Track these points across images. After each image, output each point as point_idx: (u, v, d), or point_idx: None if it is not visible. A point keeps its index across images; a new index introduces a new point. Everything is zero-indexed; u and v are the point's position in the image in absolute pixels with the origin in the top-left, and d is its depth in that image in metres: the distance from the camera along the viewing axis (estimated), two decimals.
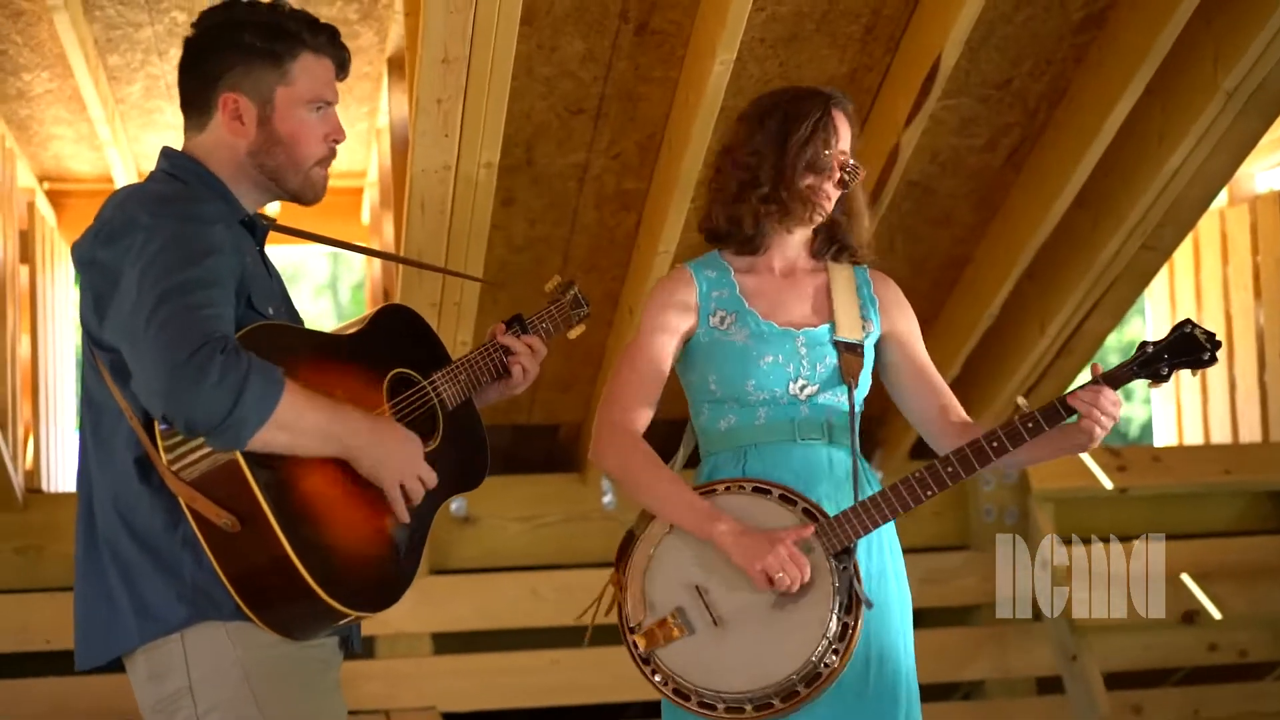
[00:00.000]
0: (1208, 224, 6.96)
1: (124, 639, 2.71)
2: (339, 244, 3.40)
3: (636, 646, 3.05)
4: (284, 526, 2.60)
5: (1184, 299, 7.15)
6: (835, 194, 3.19)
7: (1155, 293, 7.32)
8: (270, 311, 2.79)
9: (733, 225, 3.22)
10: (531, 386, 5.70)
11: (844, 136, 3.19)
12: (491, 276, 5.01)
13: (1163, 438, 7.33)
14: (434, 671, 5.61)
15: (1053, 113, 4.88)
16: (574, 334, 3.41)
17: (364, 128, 6.01)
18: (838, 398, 3.19)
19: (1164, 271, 7.18)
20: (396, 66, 5.08)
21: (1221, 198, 7.00)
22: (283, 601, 2.65)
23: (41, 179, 6.36)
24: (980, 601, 6.04)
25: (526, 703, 5.67)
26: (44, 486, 6.09)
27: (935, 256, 5.46)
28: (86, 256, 2.72)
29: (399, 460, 2.76)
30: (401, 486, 2.76)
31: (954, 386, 5.53)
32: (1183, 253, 7.11)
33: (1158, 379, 3.02)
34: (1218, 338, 3.02)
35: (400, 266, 4.77)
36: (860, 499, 3.07)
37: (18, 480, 5.40)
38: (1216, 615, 5.71)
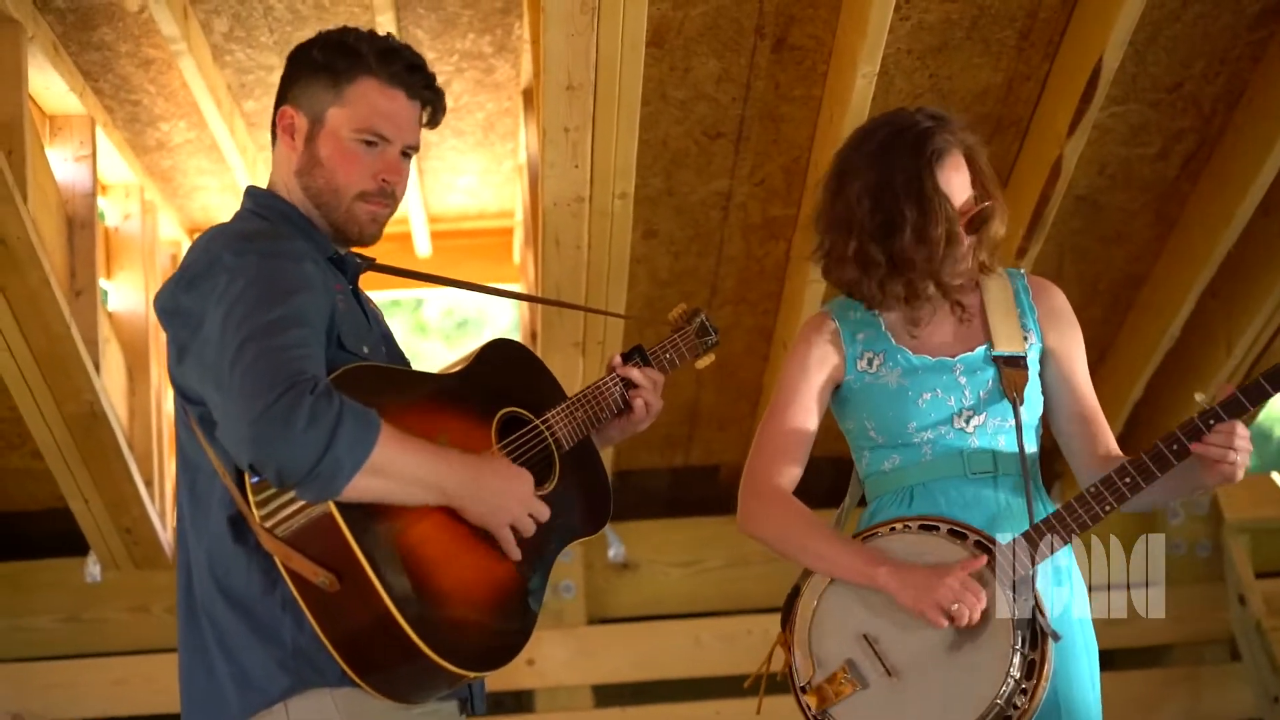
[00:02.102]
0: None
1: (224, 712, 2.54)
2: (446, 281, 3.22)
3: (810, 708, 2.86)
4: (384, 582, 2.42)
5: None
6: (970, 246, 2.96)
7: None
8: (365, 351, 2.63)
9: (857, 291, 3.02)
10: (689, 425, 5.64)
11: (958, 184, 2.94)
12: (636, 312, 4.84)
13: None
14: None
15: (1230, 115, 4.57)
16: (702, 364, 3.24)
17: (509, 166, 5.87)
18: (1007, 421, 2.96)
19: None
20: (529, 99, 4.93)
21: None
22: (390, 664, 2.47)
23: (191, 231, 6.32)
24: (1171, 641, 5.73)
25: None
26: None
27: (1109, 276, 5.17)
28: (170, 305, 2.57)
29: (506, 499, 2.58)
30: (512, 526, 2.59)
31: (1136, 411, 5.33)
32: None
33: None
34: None
35: (540, 306, 4.60)
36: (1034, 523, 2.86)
37: (166, 539, 5.33)
38: None
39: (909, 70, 4.33)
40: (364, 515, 2.44)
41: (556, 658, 5.41)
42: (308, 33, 3.47)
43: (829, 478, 3.05)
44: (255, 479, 2.45)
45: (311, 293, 2.51)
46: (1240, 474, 2.80)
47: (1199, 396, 2.83)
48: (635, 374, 2.97)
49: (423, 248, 6.18)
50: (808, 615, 2.89)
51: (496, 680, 5.38)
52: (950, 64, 4.34)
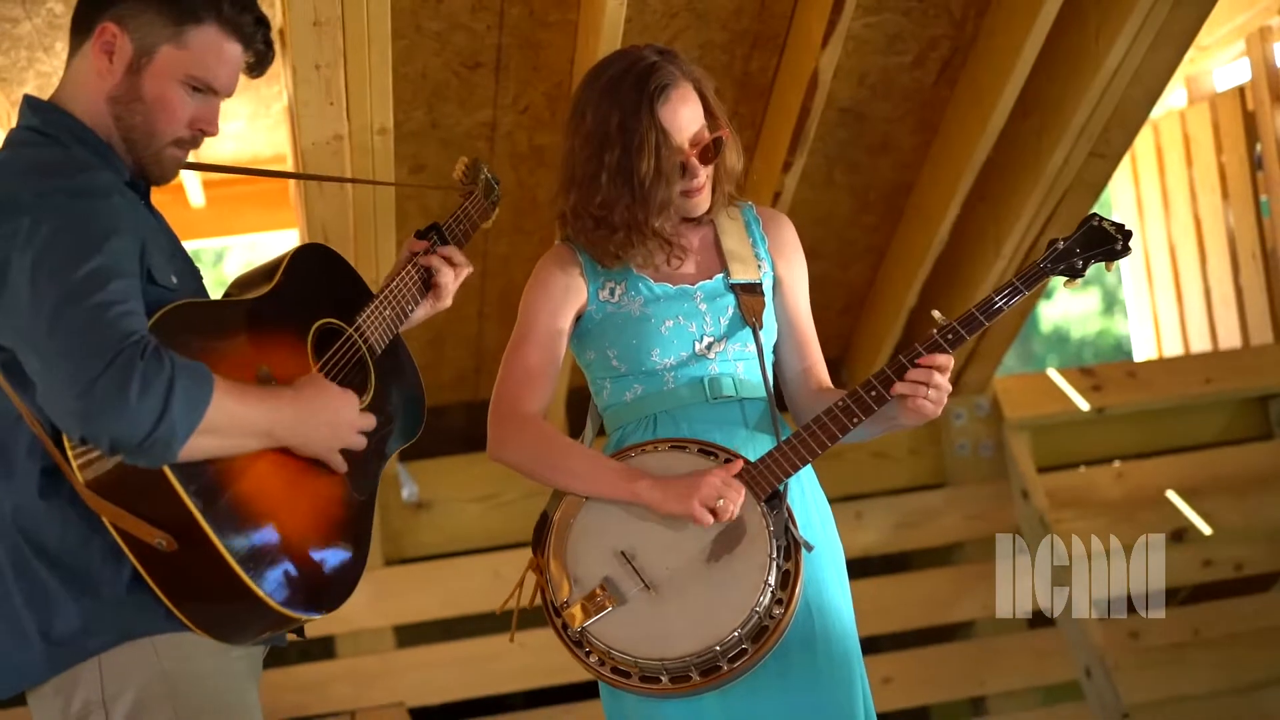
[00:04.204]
0: (1169, 126, 6.74)
1: (31, 672, 2.44)
2: (250, 171, 3.26)
3: (565, 628, 2.83)
4: (225, 540, 2.36)
5: (1151, 206, 6.92)
6: (705, 180, 2.98)
7: (1121, 202, 7.10)
8: (173, 280, 2.51)
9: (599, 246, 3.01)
10: (476, 359, 5.61)
11: (686, 119, 2.93)
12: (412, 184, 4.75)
13: (1142, 353, 7.11)
14: (399, 666, 5.40)
15: (981, 21, 4.62)
16: (489, 223, 3.21)
17: (278, 109, 5.77)
18: (747, 347, 3.00)
19: (1129, 179, 6.98)
20: (283, 38, 4.84)
21: (1181, 98, 6.77)
22: (229, 614, 2.43)
23: None
24: (963, 539, 5.86)
25: (496, 689, 5.48)
26: None
27: (878, 185, 5.23)
28: None
29: (335, 428, 2.54)
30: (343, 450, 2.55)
31: (912, 316, 5.42)
32: (1146, 158, 6.89)
33: (1073, 274, 2.92)
34: (1128, 227, 2.93)
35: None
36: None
37: None
38: (1206, 531, 5.48)
39: None
40: (196, 470, 2.36)
41: (355, 601, 5.15)
42: None
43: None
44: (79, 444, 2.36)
45: (124, 235, 2.38)
46: (936, 411, 2.87)
47: (936, 314, 2.90)
48: (436, 260, 2.93)
49: (195, 198, 6.06)
50: (563, 536, 2.86)
51: None
52: None
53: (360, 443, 2.59)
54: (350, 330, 2.74)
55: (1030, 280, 2.89)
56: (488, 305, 5.31)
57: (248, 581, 2.37)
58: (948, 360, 2.86)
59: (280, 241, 6.96)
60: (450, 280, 2.94)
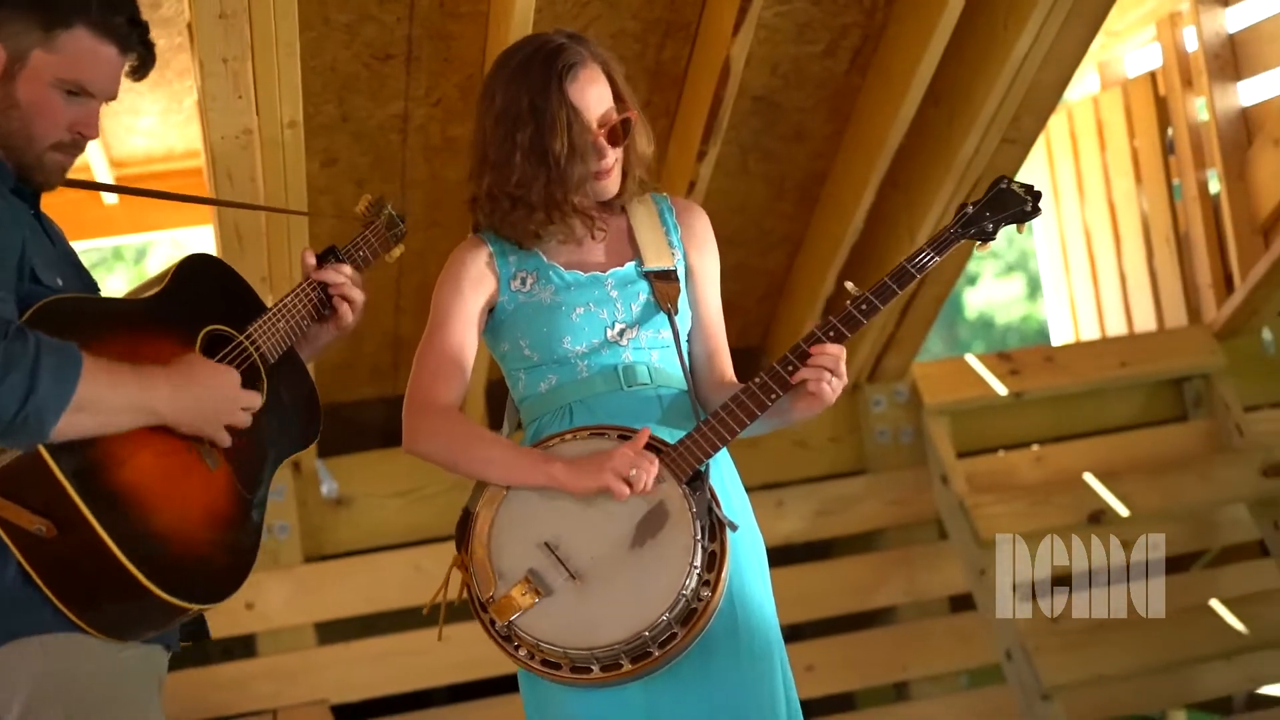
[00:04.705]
0: (1082, 111, 6.79)
1: None
2: (137, 191, 3.20)
3: (493, 623, 2.81)
4: (106, 524, 2.35)
5: (1066, 191, 6.96)
6: (614, 162, 2.98)
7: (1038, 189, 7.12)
8: (59, 283, 2.52)
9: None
10: (393, 352, 5.58)
11: (594, 98, 2.93)
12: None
13: (1060, 337, 7.16)
14: (320, 663, 5.37)
15: (890, 8, 4.64)
16: (393, 256, 3.19)
17: (190, 104, 5.70)
18: (661, 333, 2.99)
19: (1044, 164, 7.02)
20: (192, 32, 4.79)
21: (1094, 83, 6.82)
22: (115, 604, 2.41)
23: None
24: (884, 525, 5.89)
25: (419, 684, 5.46)
26: None
27: (793, 174, 5.24)
28: None
29: (216, 401, 2.53)
30: (228, 427, 2.54)
31: (829, 303, 5.43)
32: (1060, 143, 6.94)
33: (984, 238, 2.93)
34: (1037, 189, 2.95)
35: (222, 239, 4.48)
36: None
37: None
38: (1124, 513, 5.53)
39: None
40: (75, 452, 2.36)
41: (276, 599, 5.32)
42: None
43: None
44: None
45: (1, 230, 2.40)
46: (832, 398, 2.88)
47: (849, 285, 2.91)
48: (330, 274, 2.93)
49: (109, 195, 5.99)
50: (485, 531, 2.84)
51: (217, 626, 5.27)
52: None
53: (244, 420, 2.58)
54: (240, 337, 2.74)
55: (941, 246, 2.89)
56: (404, 300, 5.28)
57: (127, 564, 2.36)
58: (838, 349, 2.86)
59: (201, 239, 6.89)
60: (350, 294, 2.94)
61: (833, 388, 2.86)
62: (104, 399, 2.37)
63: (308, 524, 5.43)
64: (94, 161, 5.68)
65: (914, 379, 5.86)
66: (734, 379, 3.07)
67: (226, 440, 2.56)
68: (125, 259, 13.65)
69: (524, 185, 2.92)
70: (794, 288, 5.60)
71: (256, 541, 2.63)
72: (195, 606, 2.47)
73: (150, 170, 6.00)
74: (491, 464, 2.86)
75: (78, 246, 2.81)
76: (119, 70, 2.61)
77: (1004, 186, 2.94)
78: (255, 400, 2.61)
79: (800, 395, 2.88)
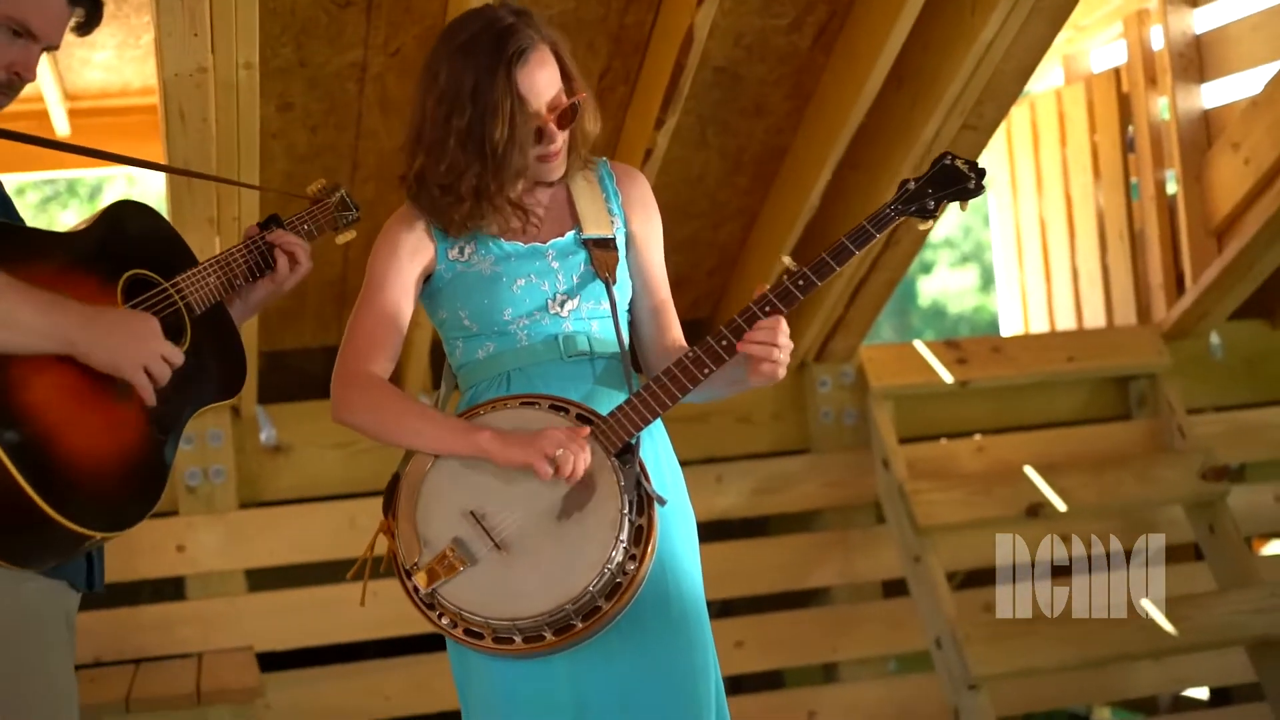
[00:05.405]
0: (1045, 104, 6.78)
1: None
2: (67, 147, 3.13)
3: (417, 590, 2.79)
4: (5, 443, 2.34)
5: (1025, 184, 6.97)
6: (561, 145, 2.93)
7: (996, 180, 7.13)
8: None
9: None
10: (338, 304, 5.53)
11: (544, 83, 2.88)
12: (276, 185, 4.70)
13: (1009, 328, 7.17)
14: (248, 610, 5.34)
15: None
16: (342, 240, 3.20)
17: (148, 40, 5.64)
18: (600, 304, 2.97)
19: (1004, 156, 7.02)
20: None
21: (1058, 77, 6.82)
22: (8, 526, 2.39)
23: None
24: (823, 506, 5.87)
25: (345, 637, 5.44)
26: None
27: (751, 148, 5.21)
28: None
29: (136, 344, 2.52)
30: (146, 371, 2.53)
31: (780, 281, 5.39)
32: (1021, 135, 6.94)
33: (925, 215, 2.87)
34: (981, 166, 2.88)
35: (171, 180, 4.44)
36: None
37: None
38: (1062, 507, 5.54)
39: None
40: None
41: (208, 543, 5.29)
42: None
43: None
44: None
45: None
46: (781, 373, 2.83)
47: (786, 260, 2.87)
48: (284, 236, 2.95)
49: (60, 126, 5.92)
50: (412, 498, 2.82)
51: (146, 567, 5.28)
52: None
53: (162, 370, 2.57)
54: (166, 284, 2.73)
55: (880, 223, 2.84)
56: (351, 250, 5.23)
57: (19, 480, 2.34)
58: (773, 321, 2.80)
59: (154, 177, 6.83)
60: (297, 255, 2.97)
61: (778, 361, 2.82)
62: (17, 316, 2.38)
63: (245, 470, 5.39)
64: (47, 93, 5.61)
65: (861, 361, 5.85)
66: (681, 339, 3.05)
67: (145, 383, 2.55)
68: (80, 195, 13.56)
69: (454, 173, 2.87)
70: (747, 262, 5.58)
71: (163, 479, 2.62)
72: (91, 532, 2.46)
73: (105, 104, 5.94)
74: (419, 435, 2.84)
75: (30, 177, 2.81)
76: (65, 19, 2.62)
77: (947, 162, 2.88)
78: (174, 352, 2.60)
79: (751, 365, 2.84)
